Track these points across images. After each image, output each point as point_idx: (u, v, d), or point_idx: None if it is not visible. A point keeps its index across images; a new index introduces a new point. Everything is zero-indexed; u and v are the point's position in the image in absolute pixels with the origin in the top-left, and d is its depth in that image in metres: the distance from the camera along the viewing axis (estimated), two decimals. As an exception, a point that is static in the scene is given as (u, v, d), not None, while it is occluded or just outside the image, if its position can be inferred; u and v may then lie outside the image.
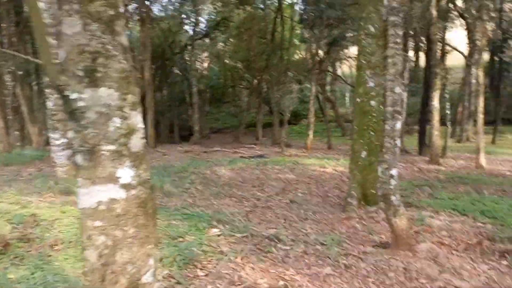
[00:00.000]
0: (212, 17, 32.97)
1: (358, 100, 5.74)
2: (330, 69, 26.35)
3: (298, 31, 29.75)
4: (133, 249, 1.68)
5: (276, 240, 4.26)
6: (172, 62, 32.96)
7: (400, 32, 3.61)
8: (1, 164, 10.68)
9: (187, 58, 31.45)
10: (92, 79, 1.59)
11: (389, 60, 3.65)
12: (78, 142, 1.62)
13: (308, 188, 7.66)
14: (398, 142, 3.69)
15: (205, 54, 43.07)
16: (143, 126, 1.79)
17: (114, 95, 1.62)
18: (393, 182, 3.68)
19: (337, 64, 31.67)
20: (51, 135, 6.46)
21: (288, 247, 4.14)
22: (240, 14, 29.73)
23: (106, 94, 1.61)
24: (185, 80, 34.82)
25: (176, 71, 35.84)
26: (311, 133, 18.07)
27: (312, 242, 4.29)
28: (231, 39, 33.55)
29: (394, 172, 3.67)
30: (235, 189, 7.32)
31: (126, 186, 1.66)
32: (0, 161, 11.04)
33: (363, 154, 5.54)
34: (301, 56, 36.23)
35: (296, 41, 32.33)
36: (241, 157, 13.74)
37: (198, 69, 44.16)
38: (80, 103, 1.59)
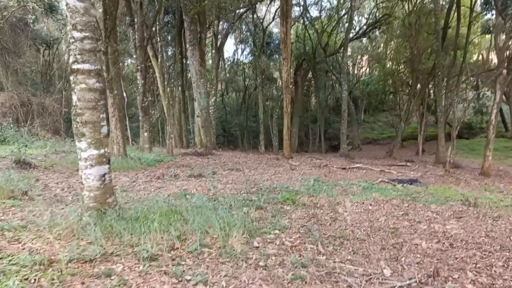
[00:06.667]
0: (372, 14, 29.39)
1: None
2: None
3: (478, 24, 24.20)
4: None
5: None
6: (324, 66, 30.53)
7: None
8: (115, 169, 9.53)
9: (340, 61, 28.54)
10: None
11: None
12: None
13: (488, 267, 4.11)
14: None
15: (364, 57, 39.61)
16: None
17: None
18: None
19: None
20: (77, 143, 4.42)
21: None
22: (404, 9, 25.57)
23: None
24: (338, 85, 32.11)
25: (330, 75, 33.39)
26: (490, 153, 13.35)
27: None
28: (393, 38, 29.40)
29: None
30: (345, 252, 4.24)
31: None
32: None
33: None
34: (481, 55, 30.05)
35: (475, 39, 26.61)
36: (383, 181, 10.28)
37: (355, 74, 40.90)
38: None
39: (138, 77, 13.55)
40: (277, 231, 4.82)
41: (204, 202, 5.99)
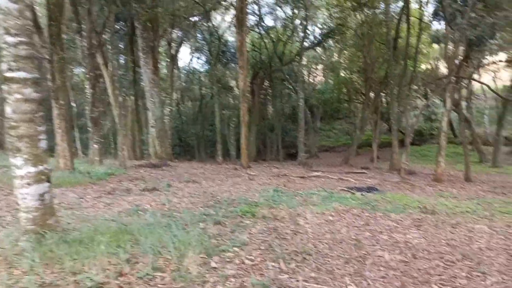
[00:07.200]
0: (326, 24, 29.88)
1: None
2: (471, 77, 21.02)
3: (426, 36, 25.17)
4: None
5: None
6: (280, 74, 30.71)
7: None
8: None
9: (296, 69, 28.76)
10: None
11: None
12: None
13: (452, 278, 4.01)
14: None
15: (319, 66, 40.24)
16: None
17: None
18: None
19: (477, 73, 25.99)
20: (11, 160, 3.96)
21: None
22: (357, 19, 26.15)
23: None
24: (294, 94, 32.34)
25: (286, 84, 33.59)
26: (442, 160, 13.73)
27: None
28: (346, 47, 30.04)
29: None
30: (308, 269, 4.03)
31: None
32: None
33: None
34: (430, 65, 31.31)
35: (424, 49, 27.67)
36: (343, 189, 10.26)
37: (310, 82, 41.46)
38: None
39: (87, 86, 12.89)
40: (236, 249, 4.53)
41: (158, 219, 5.63)
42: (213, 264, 3.96)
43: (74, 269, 3.54)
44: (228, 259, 4.17)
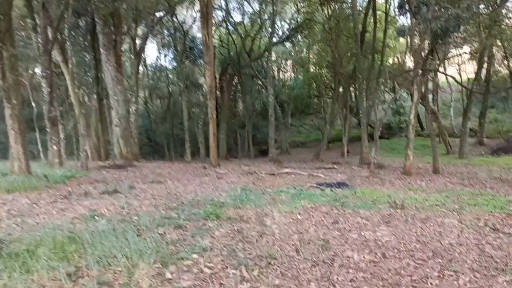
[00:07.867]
0: (294, 19, 29.73)
1: None
2: (437, 70, 21.26)
3: (392, 30, 25.39)
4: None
5: None
6: (250, 70, 30.38)
7: None
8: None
9: (265, 65, 28.45)
10: None
11: None
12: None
13: (424, 278, 3.80)
14: None
15: (288, 62, 40.16)
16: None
17: None
18: None
19: (442, 66, 26.40)
20: None
21: None
22: (325, 14, 26.07)
23: None
24: (265, 90, 32.11)
25: (256, 80, 33.29)
26: (411, 153, 13.73)
27: None
28: (315, 42, 29.97)
29: None
30: (273, 275, 3.73)
31: None
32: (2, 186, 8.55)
33: None
34: (397, 58, 31.67)
35: (391, 42, 27.94)
36: (312, 186, 10.03)
37: (280, 78, 41.35)
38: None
39: (43, 85, 12.15)
40: (195, 256, 4.18)
41: (114, 225, 5.21)
42: (168, 275, 3.60)
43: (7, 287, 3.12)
44: (185, 268, 3.82)
